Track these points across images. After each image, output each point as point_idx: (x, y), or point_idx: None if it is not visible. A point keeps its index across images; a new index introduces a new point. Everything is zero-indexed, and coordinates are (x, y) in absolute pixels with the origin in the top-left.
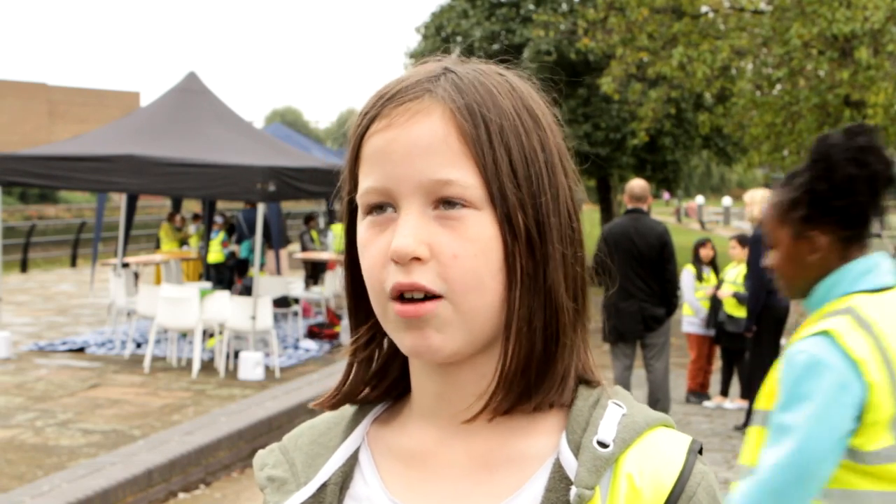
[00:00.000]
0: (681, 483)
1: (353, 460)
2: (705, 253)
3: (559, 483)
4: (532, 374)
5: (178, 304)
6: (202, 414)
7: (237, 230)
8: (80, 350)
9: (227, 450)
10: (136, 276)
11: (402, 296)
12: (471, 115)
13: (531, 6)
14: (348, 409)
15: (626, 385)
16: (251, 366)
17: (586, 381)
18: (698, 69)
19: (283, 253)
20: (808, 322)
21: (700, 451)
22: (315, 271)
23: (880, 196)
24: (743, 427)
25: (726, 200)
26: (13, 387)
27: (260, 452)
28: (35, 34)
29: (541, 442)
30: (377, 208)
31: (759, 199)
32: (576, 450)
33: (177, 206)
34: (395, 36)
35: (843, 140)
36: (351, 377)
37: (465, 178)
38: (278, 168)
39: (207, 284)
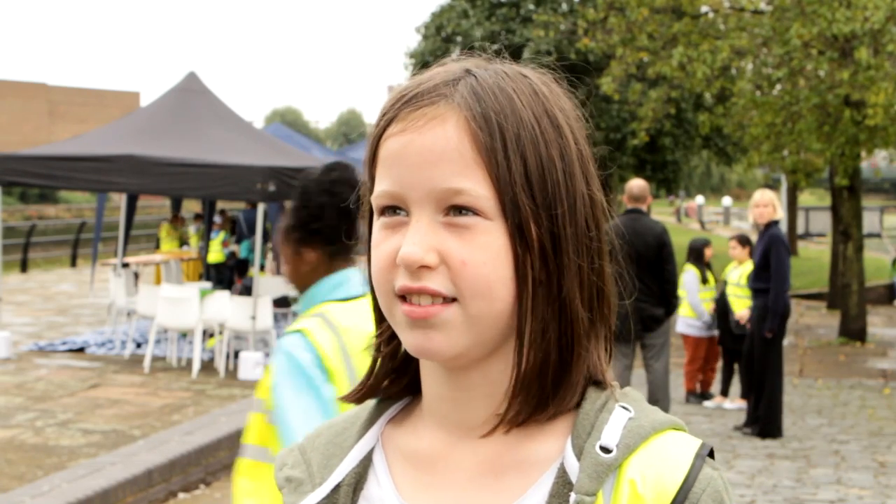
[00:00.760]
0: (685, 489)
1: (367, 461)
2: (710, 254)
3: (563, 489)
4: (548, 384)
5: (178, 304)
6: (202, 414)
7: (237, 230)
8: (80, 350)
9: (227, 450)
10: (136, 276)
11: (410, 298)
12: (486, 124)
13: (531, 6)
14: (364, 409)
15: (626, 385)
16: (251, 366)
17: (596, 382)
18: (698, 69)
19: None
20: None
21: (711, 455)
22: None
23: (352, 220)
24: (743, 427)
25: (726, 200)
26: (13, 387)
27: (281, 452)
28: (35, 34)
29: (548, 446)
30: (389, 210)
31: (772, 200)
32: (579, 455)
33: (177, 206)
34: (395, 36)
35: (320, 175)
36: (375, 371)
37: (477, 188)
38: (278, 168)
39: (207, 284)
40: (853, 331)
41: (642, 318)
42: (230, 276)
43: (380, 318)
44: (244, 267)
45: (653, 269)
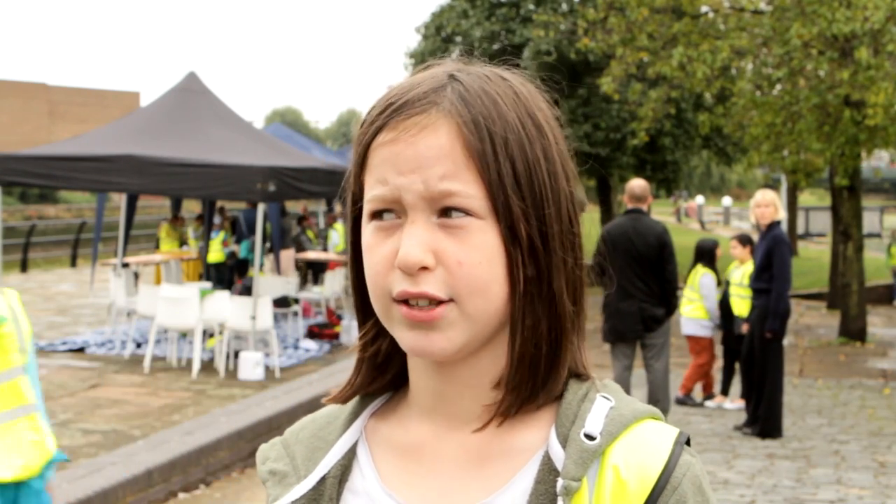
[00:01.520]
0: (666, 474)
1: (351, 454)
2: (719, 254)
3: (548, 475)
4: (539, 376)
5: (178, 304)
6: (202, 414)
7: (237, 230)
8: (80, 350)
9: (227, 450)
10: (136, 276)
11: (407, 301)
12: (476, 129)
13: (531, 6)
14: (348, 404)
15: (626, 385)
16: (251, 366)
17: (577, 374)
18: (698, 69)
19: (284, 253)
20: None
21: (688, 443)
22: (316, 271)
23: None
24: (743, 427)
25: (726, 200)
26: None
27: (262, 446)
28: (35, 34)
29: (532, 435)
30: (383, 214)
31: (774, 200)
32: (564, 442)
33: (177, 206)
34: (395, 36)
35: None
36: (362, 372)
37: (469, 190)
38: (278, 168)
39: (207, 284)
40: (853, 331)
41: (643, 318)
42: (230, 276)
43: (363, 319)
44: (244, 267)
45: (653, 269)
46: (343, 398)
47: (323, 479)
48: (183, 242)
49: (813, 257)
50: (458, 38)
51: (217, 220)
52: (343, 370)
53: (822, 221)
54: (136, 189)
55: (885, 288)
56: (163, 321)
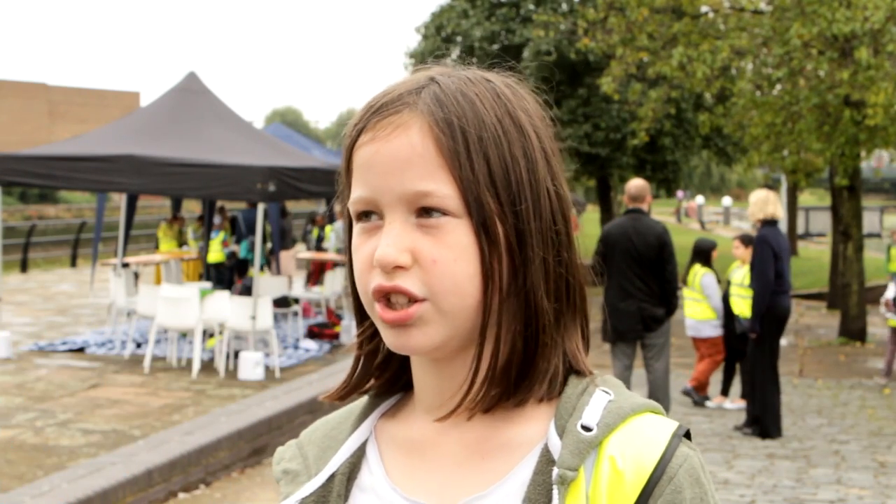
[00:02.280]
0: (662, 465)
1: (360, 452)
2: (715, 256)
3: (546, 466)
4: (513, 374)
5: (178, 304)
6: (202, 414)
7: (236, 230)
8: (80, 350)
9: (227, 450)
10: (136, 276)
11: (388, 299)
12: (449, 128)
13: (531, 6)
14: (358, 405)
15: (626, 385)
16: (251, 366)
17: (577, 371)
18: (698, 69)
19: (284, 254)
20: None
21: (688, 436)
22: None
23: None
24: (743, 427)
25: (726, 200)
26: (13, 387)
27: (279, 448)
28: (35, 34)
29: (531, 429)
30: (365, 215)
31: (770, 199)
32: (562, 434)
33: (177, 206)
34: (395, 36)
35: None
36: (359, 369)
37: (442, 189)
38: (278, 168)
39: (207, 284)
40: (853, 331)
41: (643, 318)
42: (230, 276)
43: (360, 318)
44: (244, 267)
45: (654, 268)
46: (339, 395)
47: (332, 477)
48: (183, 242)
49: (813, 257)
50: (458, 38)
51: (217, 220)
52: (343, 370)
53: (822, 221)
54: (136, 189)
55: (885, 288)
56: (163, 321)
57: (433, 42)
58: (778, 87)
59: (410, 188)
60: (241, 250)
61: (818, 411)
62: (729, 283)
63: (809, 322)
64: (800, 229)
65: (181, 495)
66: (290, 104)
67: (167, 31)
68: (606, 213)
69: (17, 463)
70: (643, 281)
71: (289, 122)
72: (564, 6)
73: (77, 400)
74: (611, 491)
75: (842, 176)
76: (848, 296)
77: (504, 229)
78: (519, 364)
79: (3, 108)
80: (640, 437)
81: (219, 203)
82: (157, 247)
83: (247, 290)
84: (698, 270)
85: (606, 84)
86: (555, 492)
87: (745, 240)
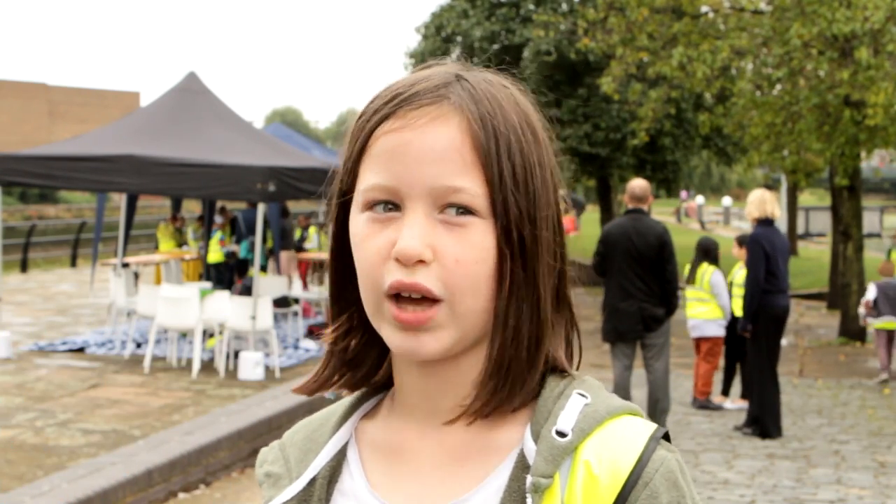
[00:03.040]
0: (637, 469)
1: (341, 455)
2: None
3: (521, 472)
4: (515, 379)
5: (178, 304)
6: (202, 414)
7: (236, 230)
8: (80, 350)
9: (227, 450)
10: (136, 276)
11: (398, 295)
12: (484, 126)
13: (531, 6)
14: (340, 406)
15: (626, 385)
16: (251, 366)
17: (557, 370)
18: (698, 69)
19: (284, 254)
20: None
21: (667, 438)
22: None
23: None
24: (743, 427)
25: (726, 200)
26: (13, 387)
27: (263, 450)
28: (35, 34)
29: (509, 433)
30: (379, 204)
31: (765, 199)
32: (537, 439)
33: (177, 206)
34: (395, 36)
35: None
36: (329, 365)
37: (474, 188)
38: (278, 168)
39: (207, 284)
40: (853, 331)
41: (643, 318)
42: (230, 276)
43: (338, 312)
44: (244, 267)
45: (654, 268)
46: (308, 390)
47: (313, 481)
48: (182, 242)
49: (813, 257)
50: (458, 38)
51: (219, 219)
52: None
53: (822, 221)
54: (136, 189)
55: None
56: (163, 321)
57: (433, 42)
58: (778, 87)
59: (443, 182)
60: (241, 250)
61: (818, 411)
62: (731, 283)
63: (809, 322)
64: (800, 229)
65: (181, 495)
66: (290, 104)
67: (167, 31)
68: (606, 213)
69: (17, 463)
70: (643, 281)
71: (289, 122)
72: (564, 6)
73: (77, 400)
74: (586, 496)
75: (842, 176)
76: (848, 296)
77: (522, 234)
78: (522, 370)
79: (3, 108)
80: (615, 441)
81: (219, 203)
82: (156, 247)
83: (247, 290)
84: (707, 269)
85: (606, 84)
86: (528, 500)
87: (740, 240)
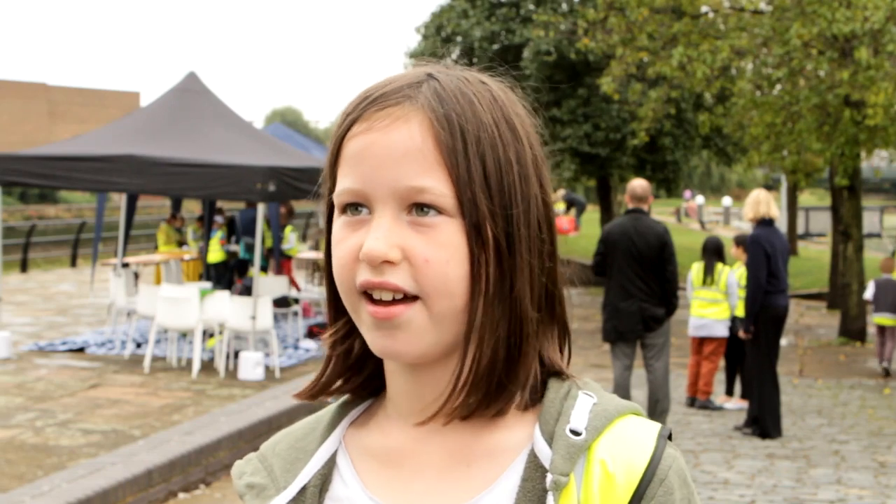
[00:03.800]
0: (652, 466)
1: (331, 463)
2: None
3: (535, 472)
4: (494, 381)
5: (178, 304)
6: (202, 414)
7: (234, 230)
8: (80, 350)
9: (227, 450)
10: (136, 276)
11: (371, 295)
12: (449, 125)
13: (531, 6)
14: (326, 413)
15: (626, 385)
16: (251, 366)
17: (556, 373)
18: (698, 69)
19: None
20: None
21: (670, 437)
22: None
23: None
24: (743, 427)
25: (726, 200)
26: (13, 387)
27: (237, 462)
28: (35, 34)
29: (515, 435)
30: (351, 208)
31: (763, 199)
32: (549, 439)
33: (177, 206)
34: (395, 36)
35: None
36: (329, 369)
37: (439, 187)
38: (278, 168)
39: (207, 284)
40: (853, 331)
41: (643, 318)
42: (230, 276)
43: (335, 317)
44: (244, 267)
45: (654, 269)
46: (309, 395)
47: (303, 490)
48: (182, 242)
49: (813, 257)
50: (458, 38)
51: (219, 219)
52: None
53: (822, 221)
54: (136, 189)
55: None
56: (163, 321)
57: (433, 42)
58: (778, 87)
59: (406, 183)
60: (239, 250)
61: (818, 411)
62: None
63: (809, 322)
64: (800, 229)
65: (181, 495)
66: (290, 104)
67: (167, 31)
68: (606, 213)
69: (17, 463)
70: (644, 281)
71: (289, 122)
72: (564, 6)
73: (77, 400)
74: (603, 494)
75: (842, 176)
76: (848, 296)
77: (494, 233)
78: (500, 371)
79: (3, 108)
80: (628, 440)
81: (218, 203)
82: (156, 247)
83: (247, 290)
84: (723, 268)
85: (606, 84)
86: (549, 498)
87: (738, 240)
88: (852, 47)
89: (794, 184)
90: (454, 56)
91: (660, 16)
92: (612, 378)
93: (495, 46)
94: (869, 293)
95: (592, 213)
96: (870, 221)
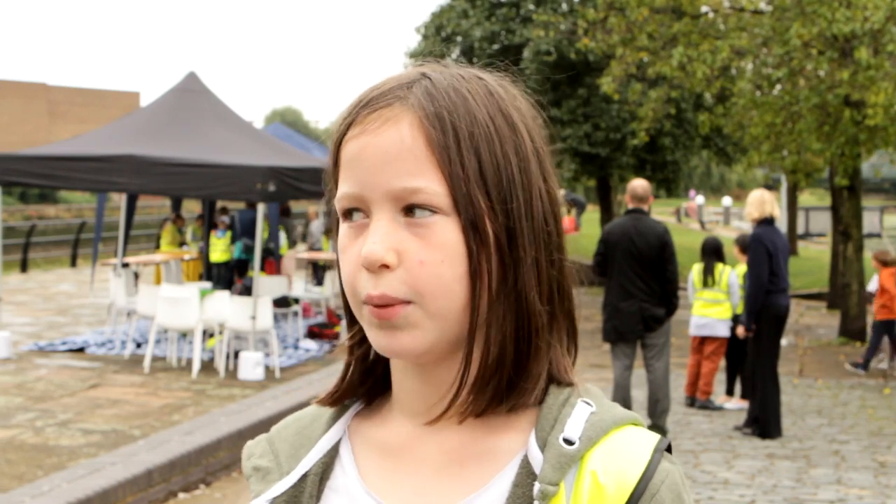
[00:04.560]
0: (644, 480)
1: (334, 452)
2: None
3: (525, 479)
4: (504, 377)
5: (178, 304)
6: (202, 414)
7: (232, 230)
8: (80, 350)
9: (227, 450)
10: (136, 276)
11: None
12: (440, 123)
13: (531, 6)
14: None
15: (626, 385)
16: (251, 366)
17: (558, 381)
18: (698, 69)
19: (287, 253)
20: None
21: (669, 450)
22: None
23: None
24: (743, 427)
25: (726, 200)
26: (13, 387)
27: (248, 443)
28: (35, 34)
29: (511, 438)
30: (351, 213)
31: (765, 199)
32: (543, 446)
33: (177, 206)
34: (395, 36)
35: None
36: (350, 374)
37: (432, 186)
38: (278, 168)
39: (207, 284)
40: (853, 331)
41: (643, 318)
42: (230, 276)
43: (351, 321)
44: (244, 267)
45: (654, 269)
46: (332, 401)
47: (305, 477)
48: (182, 242)
49: (813, 257)
50: (458, 38)
51: (226, 219)
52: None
53: (822, 221)
54: (136, 189)
55: None
56: (163, 321)
57: (433, 42)
58: (778, 87)
59: (398, 185)
60: (234, 250)
61: (818, 411)
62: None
63: (809, 322)
64: (800, 229)
65: (181, 495)
66: (290, 104)
67: (167, 31)
68: (606, 213)
69: (17, 463)
70: (644, 281)
71: (289, 122)
72: (564, 6)
73: (77, 400)
74: None
75: (842, 176)
76: (848, 296)
77: (494, 228)
78: (511, 368)
79: (3, 108)
80: (622, 452)
81: (220, 203)
82: (157, 246)
83: (247, 290)
84: (724, 269)
85: (606, 84)
86: None
87: (741, 242)
88: (852, 47)
89: (794, 184)
90: (454, 56)
91: (660, 16)
92: (613, 378)
93: (495, 46)
94: (872, 286)
95: (592, 213)
96: (870, 221)
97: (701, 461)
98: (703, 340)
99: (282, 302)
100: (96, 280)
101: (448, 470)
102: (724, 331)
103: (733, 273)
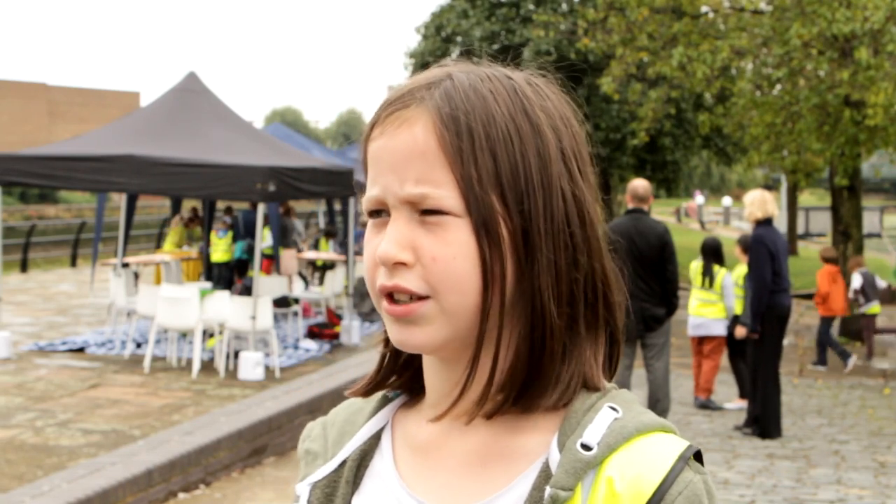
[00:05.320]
0: (661, 490)
1: (374, 440)
2: None
3: (544, 483)
4: (518, 379)
5: (178, 304)
6: (202, 414)
7: (234, 230)
8: (80, 350)
9: (227, 450)
10: (136, 276)
11: (391, 295)
12: (454, 124)
13: (531, 6)
14: (380, 391)
15: (626, 385)
16: (251, 366)
17: (588, 385)
18: (698, 69)
19: (285, 253)
20: None
21: (699, 458)
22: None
23: None
24: (743, 427)
25: (726, 200)
26: (13, 387)
27: (310, 424)
28: (35, 34)
29: (536, 440)
30: (375, 212)
31: (766, 199)
32: (562, 450)
33: (177, 206)
34: (395, 36)
35: None
36: (384, 366)
37: (442, 190)
38: (278, 168)
39: (207, 284)
40: (853, 331)
41: (644, 318)
42: (230, 276)
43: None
44: (244, 267)
45: (655, 268)
46: (363, 392)
47: (344, 463)
48: (183, 243)
49: (813, 257)
50: (458, 38)
51: (228, 219)
52: (343, 370)
53: (822, 221)
54: (136, 189)
55: (885, 289)
56: (163, 321)
57: (433, 42)
58: (778, 87)
59: (409, 189)
60: (235, 250)
61: (818, 411)
62: (733, 284)
63: (809, 322)
64: (800, 229)
65: (181, 495)
66: (290, 104)
67: (167, 31)
68: (606, 213)
69: (17, 463)
70: (644, 281)
71: (289, 122)
72: (564, 6)
73: (77, 400)
74: None
75: (842, 176)
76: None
77: (509, 229)
78: (525, 369)
79: (3, 108)
80: (642, 459)
81: (224, 204)
82: (158, 245)
83: (247, 290)
84: (719, 270)
85: (606, 84)
86: None
87: (741, 241)
88: (852, 47)
89: (794, 184)
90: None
91: (660, 16)
92: (613, 378)
93: (495, 46)
94: (857, 283)
95: None
96: (870, 221)
97: None
98: (701, 340)
99: (282, 302)
100: (96, 280)
101: (470, 469)
102: (720, 329)
103: (728, 275)
